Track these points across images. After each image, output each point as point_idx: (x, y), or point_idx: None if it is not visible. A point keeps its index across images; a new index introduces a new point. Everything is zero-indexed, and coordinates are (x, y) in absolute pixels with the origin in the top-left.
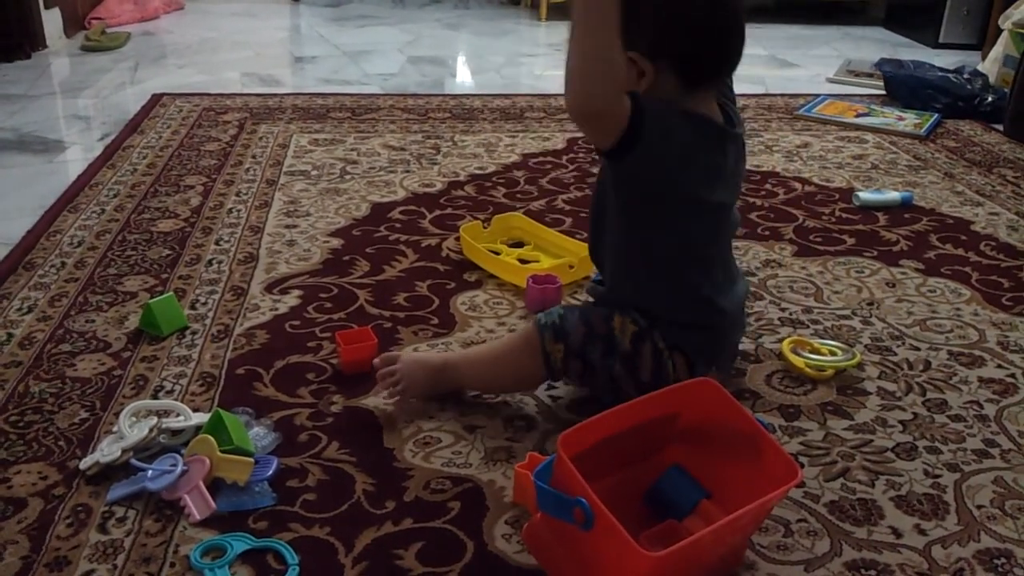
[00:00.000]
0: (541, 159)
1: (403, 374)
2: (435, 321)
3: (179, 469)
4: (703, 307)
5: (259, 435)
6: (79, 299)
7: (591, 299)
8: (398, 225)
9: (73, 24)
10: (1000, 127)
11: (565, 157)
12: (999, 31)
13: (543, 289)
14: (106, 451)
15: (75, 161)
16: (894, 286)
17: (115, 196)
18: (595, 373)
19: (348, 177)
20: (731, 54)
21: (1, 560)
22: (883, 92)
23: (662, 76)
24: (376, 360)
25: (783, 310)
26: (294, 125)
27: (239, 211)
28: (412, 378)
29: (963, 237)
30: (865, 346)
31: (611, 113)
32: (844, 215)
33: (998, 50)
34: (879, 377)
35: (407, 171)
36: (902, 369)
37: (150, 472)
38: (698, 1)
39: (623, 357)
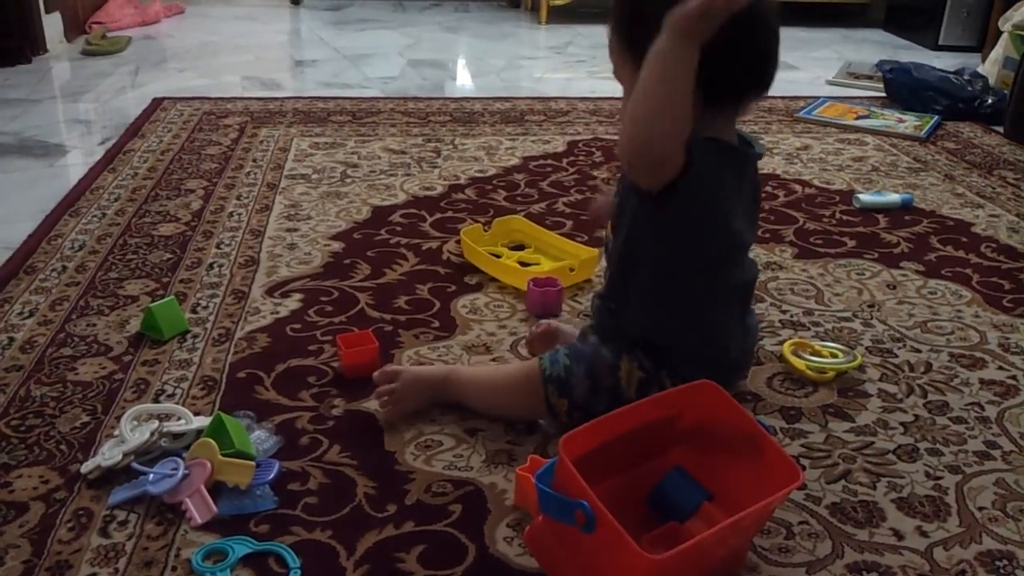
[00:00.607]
0: (541, 162)
1: (401, 394)
2: (436, 324)
3: (180, 473)
4: (717, 339)
5: (260, 438)
6: (80, 303)
7: (590, 320)
8: (399, 228)
9: (74, 28)
10: (1000, 129)
11: (565, 160)
12: (999, 33)
13: (544, 292)
14: (107, 455)
15: (76, 165)
16: (895, 288)
17: (116, 200)
18: None
19: (349, 180)
20: (757, 74)
21: (3, 564)
22: (883, 94)
23: None
24: (376, 374)
25: (784, 312)
26: (295, 129)
27: (240, 215)
28: (409, 396)
29: (964, 239)
30: (866, 348)
31: (670, 161)
32: (844, 217)
33: (998, 52)
34: (880, 379)
35: (408, 174)
36: (903, 371)
37: (151, 476)
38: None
39: None
